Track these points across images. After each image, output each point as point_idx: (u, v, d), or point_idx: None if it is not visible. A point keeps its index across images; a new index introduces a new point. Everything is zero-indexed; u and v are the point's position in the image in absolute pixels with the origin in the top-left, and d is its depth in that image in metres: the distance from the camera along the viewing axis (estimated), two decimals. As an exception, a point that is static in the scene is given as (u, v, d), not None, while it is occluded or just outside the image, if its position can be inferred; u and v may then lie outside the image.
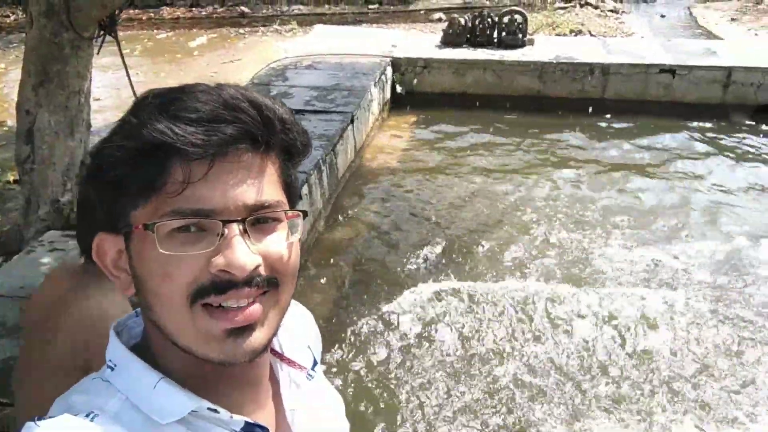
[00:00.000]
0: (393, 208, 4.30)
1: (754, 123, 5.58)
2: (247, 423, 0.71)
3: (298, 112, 4.65)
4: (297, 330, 0.86)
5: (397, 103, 5.87)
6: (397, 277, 3.57)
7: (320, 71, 5.57)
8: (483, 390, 2.80)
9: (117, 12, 3.59)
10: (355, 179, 4.67)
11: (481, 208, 4.29)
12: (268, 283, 0.67)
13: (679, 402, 2.74)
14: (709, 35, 7.61)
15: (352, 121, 4.55)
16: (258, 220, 0.66)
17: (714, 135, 5.40)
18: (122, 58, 3.82)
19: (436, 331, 3.14)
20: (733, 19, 8.26)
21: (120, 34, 3.89)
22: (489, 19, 6.23)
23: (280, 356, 0.81)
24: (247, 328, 0.66)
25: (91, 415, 0.65)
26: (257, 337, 0.67)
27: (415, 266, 3.66)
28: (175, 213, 0.63)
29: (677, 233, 4.01)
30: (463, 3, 9.29)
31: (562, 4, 9.36)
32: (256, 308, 0.66)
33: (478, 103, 5.81)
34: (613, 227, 4.04)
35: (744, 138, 5.35)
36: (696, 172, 4.78)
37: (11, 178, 4.38)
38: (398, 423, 2.65)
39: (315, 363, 0.86)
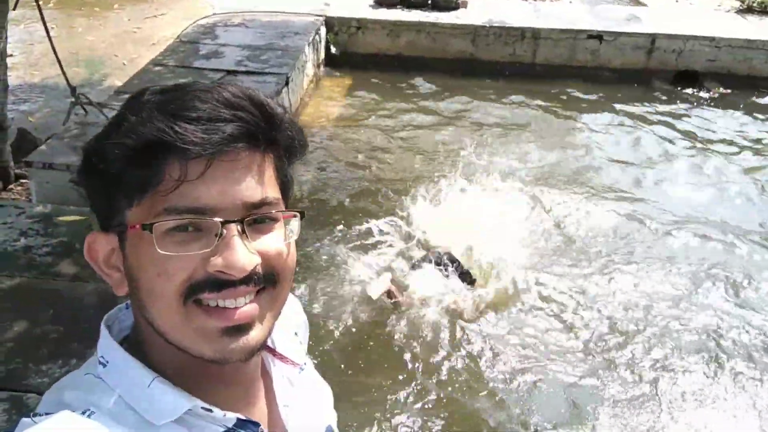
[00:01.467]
0: (328, 169, 4.28)
1: (672, 88, 5.83)
2: (239, 419, 0.71)
3: (230, 72, 4.51)
4: (285, 319, 0.85)
5: (331, 64, 5.78)
6: (333, 241, 3.57)
7: (252, 29, 5.40)
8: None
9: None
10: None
11: (409, 162, 4.34)
12: (265, 280, 0.67)
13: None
14: (635, 2, 7.83)
15: (287, 83, 4.45)
16: (256, 220, 0.66)
17: (635, 100, 5.62)
18: (39, 10, 3.58)
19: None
20: (655, -14, 8.53)
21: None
22: (423, -21, 6.18)
23: (272, 351, 0.81)
24: (244, 327, 0.66)
25: (88, 413, 0.64)
26: (253, 336, 0.67)
27: (350, 226, 3.67)
28: (169, 211, 0.63)
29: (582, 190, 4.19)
30: (395, -39, 9.15)
31: (493, -34, 9.38)
32: (252, 307, 0.66)
33: (412, 65, 5.81)
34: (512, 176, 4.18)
35: (662, 103, 5.60)
36: (609, 135, 4.98)
37: None
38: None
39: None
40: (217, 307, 0.65)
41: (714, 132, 5.15)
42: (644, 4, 7.23)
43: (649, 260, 3.59)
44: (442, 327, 3.02)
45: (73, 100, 3.46)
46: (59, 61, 3.37)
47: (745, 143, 5.00)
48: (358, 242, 3.52)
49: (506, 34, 5.88)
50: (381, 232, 3.55)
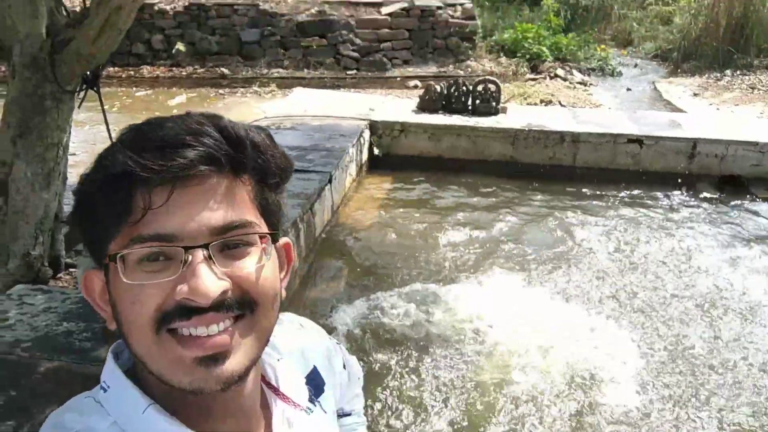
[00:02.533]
0: (368, 266, 4.30)
1: (718, 193, 5.76)
2: None
3: (276, 170, 4.67)
4: (298, 362, 0.85)
5: (374, 165, 5.95)
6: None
7: (299, 132, 5.65)
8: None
9: (100, 67, 3.63)
10: (332, 238, 4.67)
11: (450, 261, 4.33)
12: (240, 306, 0.65)
13: None
14: (674, 108, 7.95)
15: (330, 181, 4.59)
16: (227, 245, 0.65)
17: (679, 203, 5.56)
18: (103, 112, 3.83)
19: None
20: (695, 94, 8.66)
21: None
22: (464, 87, 6.43)
23: (275, 390, 0.79)
24: (219, 356, 0.65)
25: None
26: (229, 366, 0.65)
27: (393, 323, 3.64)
28: (136, 240, 0.63)
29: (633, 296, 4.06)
30: (438, 72, 9.58)
31: (533, 76, 9.72)
32: (226, 336, 0.65)
33: (452, 167, 5.93)
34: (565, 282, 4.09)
35: (709, 207, 5.52)
36: (661, 239, 4.89)
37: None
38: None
39: (321, 392, 0.84)
40: (190, 336, 0.64)
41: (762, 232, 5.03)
42: (684, 111, 7.31)
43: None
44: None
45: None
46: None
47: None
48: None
49: (545, 137, 5.99)
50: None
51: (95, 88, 3.72)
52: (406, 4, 9.88)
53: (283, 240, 0.75)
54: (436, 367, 3.29)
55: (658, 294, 4.11)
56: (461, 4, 10.22)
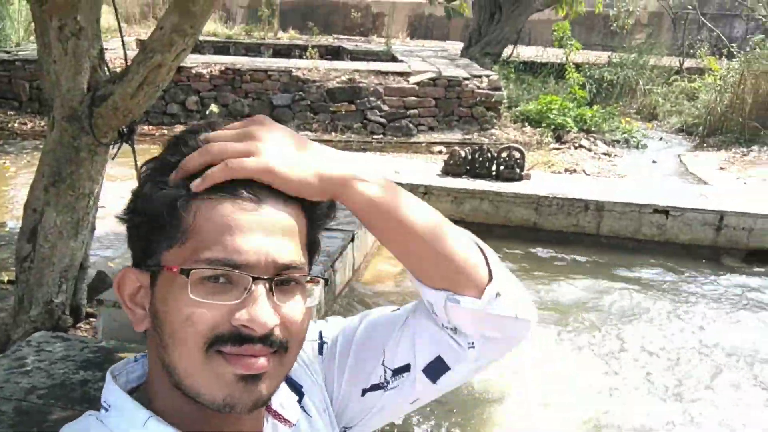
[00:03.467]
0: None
1: (745, 265, 5.65)
2: None
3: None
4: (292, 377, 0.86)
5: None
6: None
7: (324, 192, 5.71)
8: None
9: (135, 122, 3.75)
10: (351, 298, 4.65)
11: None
12: (279, 345, 0.68)
13: None
14: (699, 181, 7.91)
15: (352, 240, 4.61)
16: (282, 281, 0.68)
17: (708, 276, 5.46)
18: (136, 166, 3.93)
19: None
20: (721, 168, 8.62)
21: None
22: (488, 153, 6.50)
23: (268, 408, 0.80)
24: (257, 377, 0.67)
25: None
26: (262, 387, 0.68)
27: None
28: (210, 261, 0.65)
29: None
30: (462, 139, 9.71)
31: (557, 146, 9.80)
32: (266, 361, 0.68)
33: (474, 231, 5.91)
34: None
35: (737, 280, 5.40)
36: (687, 312, 4.78)
37: (5, 279, 4.36)
38: None
39: (301, 395, 0.84)
40: (235, 355, 0.66)
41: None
42: (708, 183, 7.28)
43: None
44: None
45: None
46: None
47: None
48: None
49: (569, 204, 5.98)
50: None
51: (130, 142, 3.84)
52: (433, 75, 10.14)
53: None
54: None
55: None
56: (487, 76, 10.45)
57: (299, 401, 0.84)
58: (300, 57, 11.95)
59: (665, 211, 5.93)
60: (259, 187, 0.67)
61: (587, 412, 3.45)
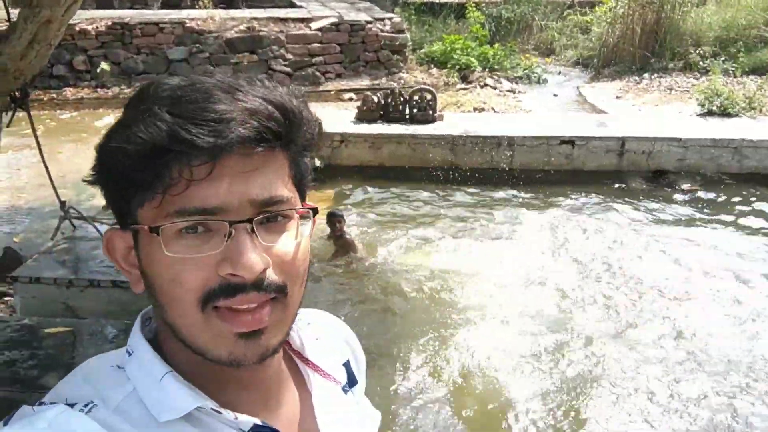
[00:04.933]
0: (312, 283, 4.26)
1: (648, 186, 6.03)
2: (255, 425, 0.68)
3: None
4: (334, 345, 0.85)
5: (315, 177, 5.89)
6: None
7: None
8: None
9: (29, 84, 3.46)
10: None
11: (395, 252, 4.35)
12: (276, 290, 0.65)
13: None
14: (599, 111, 8.28)
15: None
16: (267, 218, 0.64)
17: (614, 198, 5.79)
18: (34, 132, 3.66)
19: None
20: (618, 97, 9.05)
21: (20, 113, 3.74)
22: (400, 97, 6.50)
23: (315, 367, 0.79)
24: (257, 332, 0.65)
25: (90, 406, 0.63)
26: (266, 339, 0.66)
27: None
28: (180, 213, 0.61)
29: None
30: (371, 85, 9.64)
31: (464, 86, 9.92)
32: (265, 312, 0.65)
33: (394, 175, 5.97)
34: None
35: (640, 200, 5.77)
36: (600, 232, 5.07)
37: None
38: None
39: (355, 383, 0.84)
40: (230, 311, 0.64)
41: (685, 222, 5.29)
42: (607, 112, 7.63)
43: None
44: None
45: (62, 215, 3.46)
46: (50, 176, 3.40)
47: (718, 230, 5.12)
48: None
49: (483, 142, 6.12)
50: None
51: (24, 106, 3.55)
52: (335, 20, 9.92)
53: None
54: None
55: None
56: (390, 18, 10.35)
57: (350, 385, 0.83)
58: (192, 7, 11.34)
59: (571, 142, 6.19)
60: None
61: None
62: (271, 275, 0.64)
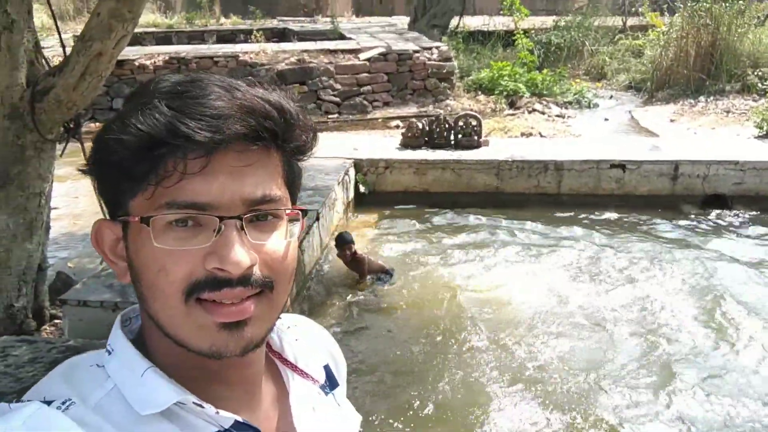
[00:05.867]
0: (358, 303, 4.24)
1: (701, 211, 5.81)
2: (237, 421, 0.68)
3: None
4: (314, 348, 0.85)
5: (360, 203, 5.94)
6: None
7: (283, 174, 5.63)
8: None
9: (81, 115, 3.62)
10: (321, 276, 4.62)
11: (446, 300, 4.28)
12: (262, 284, 0.65)
13: None
14: (652, 134, 8.07)
15: (317, 219, 4.56)
16: (257, 216, 0.65)
17: (666, 222, 5.59)
18: (86, 160, 3.80)
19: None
20: (672, 120, 8.81)
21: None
22: (445, 123, 6.50)
23: (293, 367, 0.79)
24: (240, 323, 0.65)
25: (67, 403, 0.63)
26: (249, 332, 0.66)
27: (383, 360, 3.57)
28: (170, 205, 0.62)
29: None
30: (418, 112, 9.69)
31: (511, 112, 9.86)
32: (249, 304, 0.65)
33: (438, 200, 5.95)
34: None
35: (695, 225, 5.55)
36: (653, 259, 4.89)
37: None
38: None
39: (336, 385, 0.84)
40: (214, 303, 0.64)
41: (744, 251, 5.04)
42: (660, 136, 7.42)
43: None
44: None
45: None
46: (101, 204, 3.51)
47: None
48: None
49: (529, 167, 6.04)
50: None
51: (77, 137, 3.70)
52: (383, 49, 10.06)
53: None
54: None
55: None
56: (437, 47, 10.43)
57: (331, 388, 0.83)
58: (245, 42, 11.71)
59: (622, 165, 6.04)
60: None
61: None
62: (257, 272, 0.64)
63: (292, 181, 0.71)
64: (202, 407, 0.66)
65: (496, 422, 3.08)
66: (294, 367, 0.79)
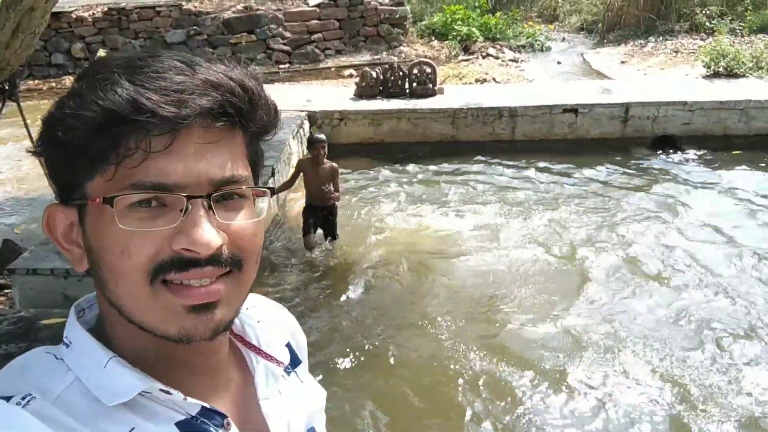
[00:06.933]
0: (315, 256, 4.24)
1: (651, 152, 5.93)
2: (203, 408, 0.66)
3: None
4: (275, 328, 0.83)
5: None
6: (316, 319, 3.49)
7: (236, 129, 5.51)
8: None
9: (16, 74, 3.44)
10: (278, 232, 4.59)
11: (395, 247, 4.32)
12: (231, 263, 0.63)
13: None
14: (603, 77, 8.14)
15: (272, 174, 4.49)
16: (223, 196, 0.62)
17: (616, 166, 5.70)
18: (25, 122, 3.64)
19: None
20: (622, 62, 8.90)
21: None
22: (399, 71, 6.41)
23: (257, 350, 0.77)
24: (210, 305, 0.63)
25: (27, 398, 0.59)
26: (218, 315, 0.64)
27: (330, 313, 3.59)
28: (135, 186, 0.59)
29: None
30: (372, 60, 9.53)
31: (466, 57, 9.79)
32: (218, 286, 0.63)
33: (394, 151, 5.91)
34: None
35: (643, 165, 5.67)
36: (604, 197, 5.00)
37: None
38: None
39: (298, 363, 0.83)
40: (182, 285, 0.61)
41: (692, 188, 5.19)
42: (611, 78, 7.50)
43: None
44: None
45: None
46: (43, 167, 3.38)
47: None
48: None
49: (484, 114, 6.04)
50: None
51: (13, 98, 3.53)
52: (333, -6, 9.79)
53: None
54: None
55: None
56: (389, -9, 10.20)
57: (293, 366, 0.82)
58: (189, -11, 11.21)
59: (574, 110, 6.09)
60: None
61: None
62: (226, 251, 0.62)
63: (255, 162, 0.68)
64: (170, 394, 0.64)
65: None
66: (258, 350, 0.77)
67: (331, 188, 4.15)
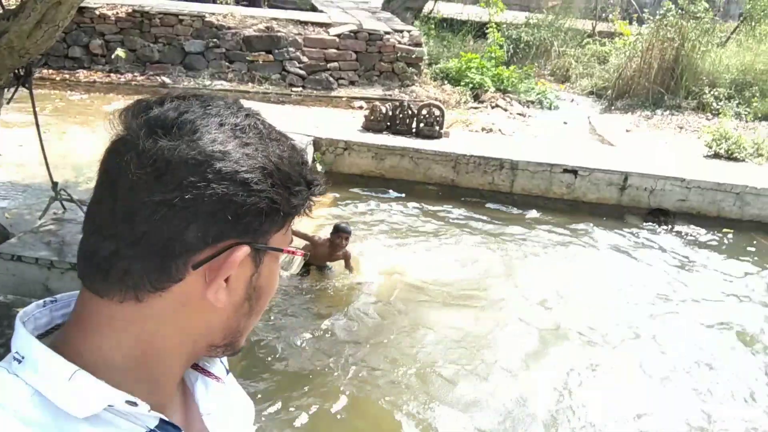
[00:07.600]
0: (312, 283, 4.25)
1: (644, 223, 5.99)
2: (162, 420, 0.68)
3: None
4: None
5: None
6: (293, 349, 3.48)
7: (240, 144, 5.54)
8: None
9: (33, 63, 3.48)
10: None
11: (377, 283, 4.34)
12: None
13: None
14: (607, 143, 8.25)
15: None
16: None
17: (608, 231, 5.75)
18: (34, 112, 3.67)
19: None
20: (627, 131, 9.03)
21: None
22: (409, 110, 6.50)
23: (194, 365, 0.80)
24: None
25: None
26: None
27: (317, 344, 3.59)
28: (290, 242, 0.76)
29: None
30: (383, 95, 9.66)
31: (475, 105, 9.93)
32: None
33: (393, 187, 5.97)
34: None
35: (635, 235, 5.73)
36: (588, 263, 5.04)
37: None
38: None
39: (227, 372, 0.87)
40: None
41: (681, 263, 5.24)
42: (615, 145, 7.61)
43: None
44: None
45: (53, 195, 3.46)
46: (44, 155, 3.41)
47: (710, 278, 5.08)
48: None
49: (486, 163, 6.11)
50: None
51: (27, 86, 3.56)
52: (354, 27, 9.96)
53: None
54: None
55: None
56: (409, 31, 10.38)
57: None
58: (214, 2, 11.41)
59: (574, 171, 6.17)
60: None
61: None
62: None
63: None
64: (136, 405, 0.65)
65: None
66: (195, 365, 0.79)
67: (333, 266, 4.34)
